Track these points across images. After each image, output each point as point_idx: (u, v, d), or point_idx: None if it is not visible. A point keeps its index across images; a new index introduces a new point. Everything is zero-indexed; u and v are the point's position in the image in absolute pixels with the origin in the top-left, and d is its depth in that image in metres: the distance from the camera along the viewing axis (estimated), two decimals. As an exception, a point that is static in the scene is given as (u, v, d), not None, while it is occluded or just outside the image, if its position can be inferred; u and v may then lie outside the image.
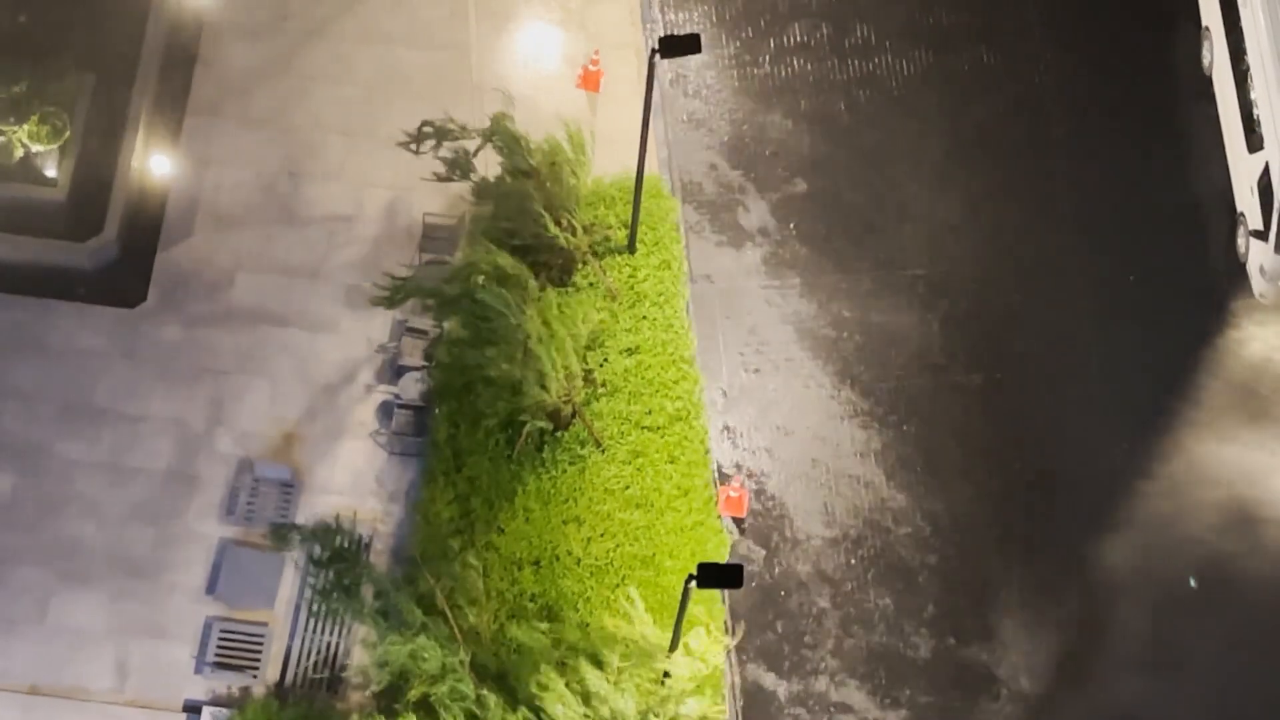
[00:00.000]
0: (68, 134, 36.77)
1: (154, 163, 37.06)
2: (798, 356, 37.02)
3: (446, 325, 35.66)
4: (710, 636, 33.15)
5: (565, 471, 35.19)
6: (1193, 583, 35.28)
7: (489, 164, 36.15)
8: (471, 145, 35.64)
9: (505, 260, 34.76)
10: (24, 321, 36.38)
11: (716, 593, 34.30)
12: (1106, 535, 35.64)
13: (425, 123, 35.61)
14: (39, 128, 36.53)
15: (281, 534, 32.93)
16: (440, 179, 35.75)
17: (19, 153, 36.62)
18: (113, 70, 37.56)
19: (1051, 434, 36.46)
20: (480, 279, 34.23)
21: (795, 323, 37.30)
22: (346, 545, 33.06)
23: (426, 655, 32.01)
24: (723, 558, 34.93)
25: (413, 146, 35.61)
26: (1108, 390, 36.80)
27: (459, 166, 35.68)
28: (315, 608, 33.75)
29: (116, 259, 36.90)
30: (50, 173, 36.73)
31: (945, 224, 38.22)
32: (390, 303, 34.95)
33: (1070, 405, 36.70)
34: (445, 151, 35.59)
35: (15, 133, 36.52)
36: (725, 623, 34.42)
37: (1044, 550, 35.55)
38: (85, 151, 37.01)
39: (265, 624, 34.27)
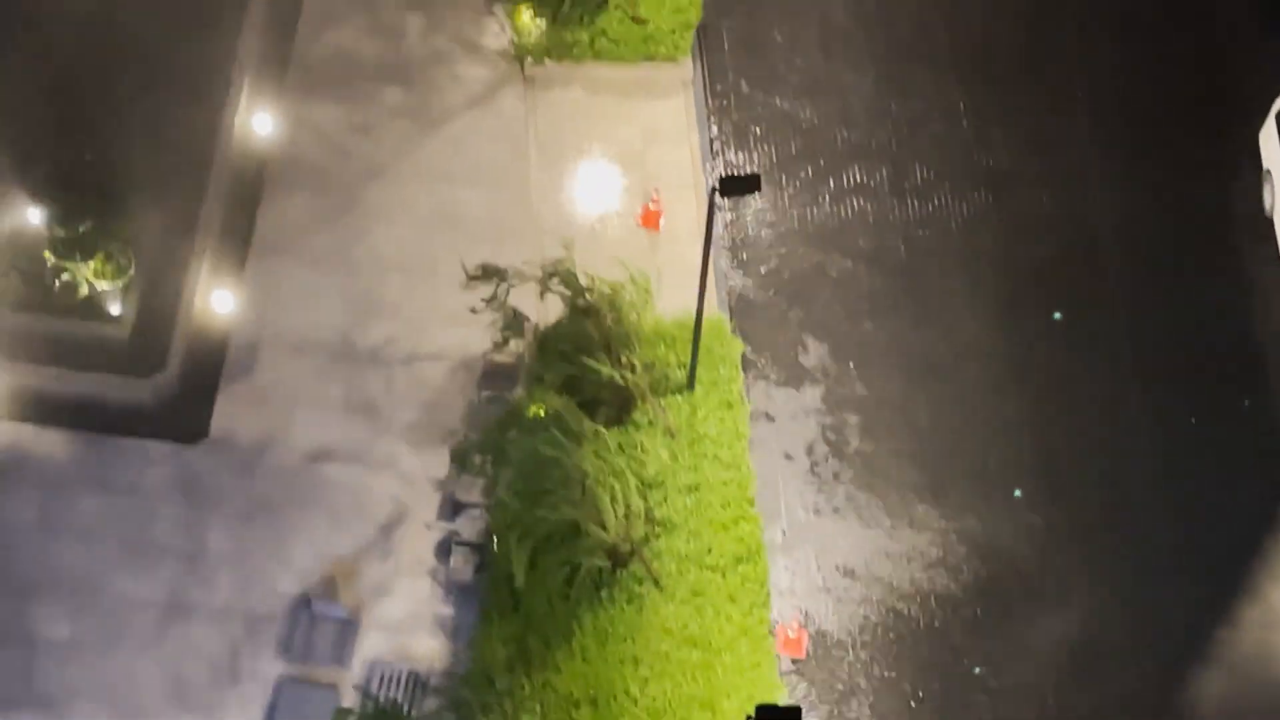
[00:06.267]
0: (131, 272, 36.98)
1: (216, 300, 37.32)
2: (857, 496, 36.87)
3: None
4: None
5: (623, 610, 35.00)
6: None
7: (551, 306, 36.31)
8: (529, 288, 35.76)
9: (559, 404, 34.82)
10: (85, 457, 36.50)
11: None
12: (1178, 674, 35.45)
13: (481, 266, 35.75)
14: (104, 265, 36.69)
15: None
16: (498, 343, 35.96)
17: (84, 290, 36.84)
18: (177, 208, 37.87)
19: (1107, 580, 36.15)
20: (539, 411, 34.29)
21: (854, 462, 37.18)
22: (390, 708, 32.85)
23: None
24: (781, 700, 34.63)
25: (480, 301, 35.65)
26: (1173, 536, 36.51)
27: (510, 327, 35.84)
28: None
29: (178, 395, 37.09)
30: (114, 310, 36.95)
31: (1005, 366, 38.12)
32: (463, 465, 35.04)
33: (1132, 547, 36.43)
34: (498, 309, 35.71)
35: (80, 270, 36.75)
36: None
37: (1113, 692, 35.24)
38: (149, 289, 37.23)
39: (322, 762, 34.12)
